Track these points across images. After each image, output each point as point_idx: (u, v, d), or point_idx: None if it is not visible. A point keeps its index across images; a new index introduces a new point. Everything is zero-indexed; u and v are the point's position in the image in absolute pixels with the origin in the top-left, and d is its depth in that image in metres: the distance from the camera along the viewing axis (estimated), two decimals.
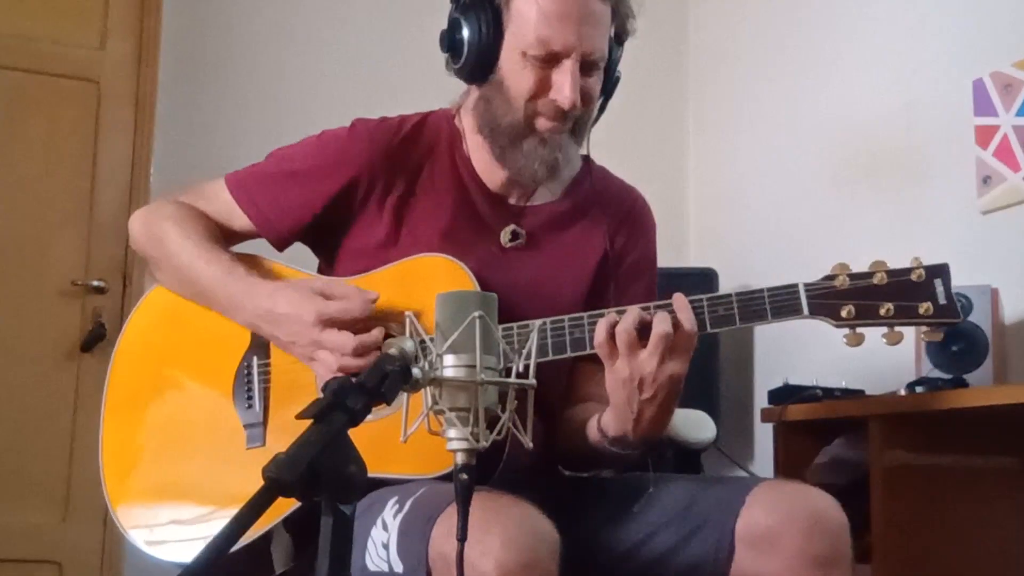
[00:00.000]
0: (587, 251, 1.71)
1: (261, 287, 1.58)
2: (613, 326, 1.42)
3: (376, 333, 1.52)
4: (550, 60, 1.57)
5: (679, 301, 1.45)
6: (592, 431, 1.53)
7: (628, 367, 1.41)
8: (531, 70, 1.58)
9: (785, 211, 3.26)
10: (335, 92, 3.18)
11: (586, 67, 1.59)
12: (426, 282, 1.56)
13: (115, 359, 1.71)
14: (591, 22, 1.58)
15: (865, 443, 2.29)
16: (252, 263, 1.67)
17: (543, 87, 1.58)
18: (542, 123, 1.60)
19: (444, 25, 1.66)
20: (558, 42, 1.56)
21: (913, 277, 1.44)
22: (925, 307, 1.43)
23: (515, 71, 1.59)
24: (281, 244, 1.70)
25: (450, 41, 1.63)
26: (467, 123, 1.69)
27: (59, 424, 2.84)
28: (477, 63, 1.60)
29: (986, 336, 2.30)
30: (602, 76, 1.64)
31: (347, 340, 1.51)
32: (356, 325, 1.53)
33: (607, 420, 1.49)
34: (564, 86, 1.56)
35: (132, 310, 1.75)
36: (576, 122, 1.62)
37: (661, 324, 1.41)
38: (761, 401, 2.73)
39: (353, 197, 1.64)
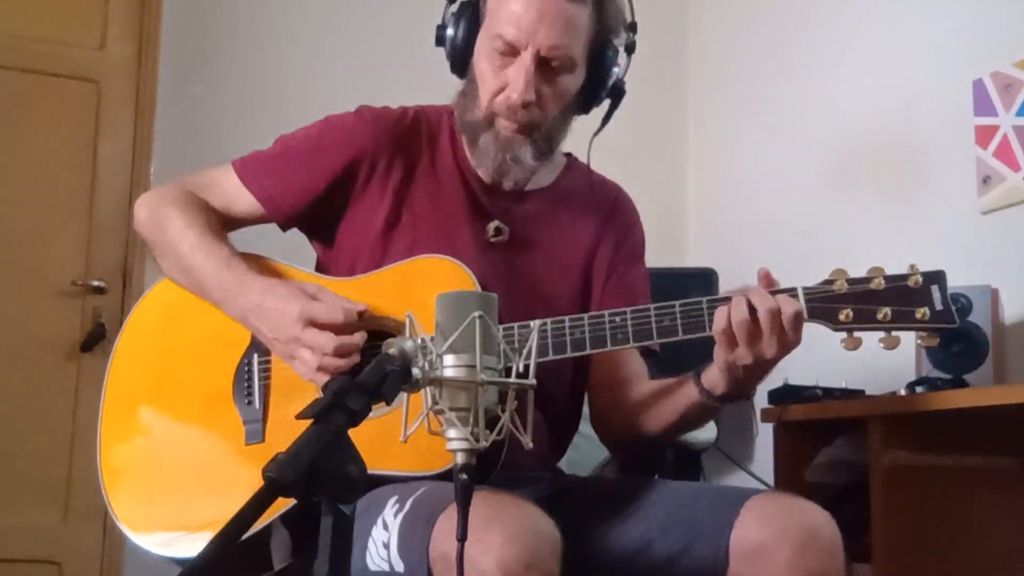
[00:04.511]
0: (575, 245, 1.73)
1: (253, 282, 1.60)
2: (730, 316, 1.44)
3: (358, 336, 1.54)
4: (508, 54, 1.60)
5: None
6: (689, 395, 1.58)
7: (751, 355, 1.45)
8: (492, 66, 1.62)
9: (785, 211, 3.26)
10: (334, 92, 3.15)
11: (547, 68, 1.60)
12: (427, 283, 1.57)
13: (114, 357, 1.71)
14: (555, 21, 1.59)
15: (865, 443, 2.29)
16: (252, 260, 1.68)
17: (502, 85, 1.61)
18: (500, 123, 1.63)
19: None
20: (511, 34, 1.59)
21: (910, 283, 1.46)
22: (922, 312, 1.45)
23: (482, 68, 1.63)
24: (286, 224, 1.72)
25: (438, 37, 1.69)
26: None
27: (59, 424, 2.84)
28: (455, 58, 1.67)
29: (986, 336, 2.29)
30: (575, 82, 1.65)
31: (328, 340, 1.53)
32: (339, 329, 1.54)
33: (714, 381, 1.54)
34: (518, 80, 1.59)
35: (131, 310, 1.75)
36: (533, 126, 1.63)
37: (789, 305, 1.44)
38: (761, 401, 2.72)
39: (355, 177, 1.67)
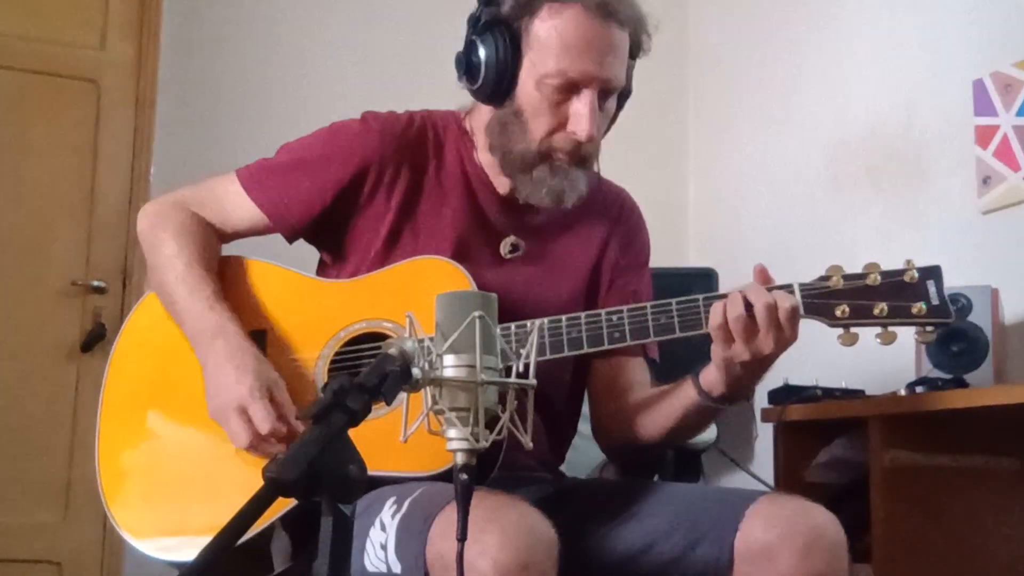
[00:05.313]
0: (584, 253, 1.72)
1: (231, 336, 1.57)
2: (726, 311, 1.43)
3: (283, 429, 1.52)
4: (568, 89, 1.56)
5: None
6: (688, 397, 1.56)
7: (748, 351, 1.44)
8: (548, 101, 1.57)
9: (785, 211, 3.26)
10: (335, 92, 3.17)
11: (602, 95, 1.58)
12: (424, 284, 1.57)
13: (112, 360, 1.71)
14: (612, 51, 1.58)
15: (865, 443, 2.29)
16: (250, 268, 1.68)
17: (561, 121, 1.58)
18: (557, 156, 1.59)
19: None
20: (577, 71, 1.55)
21: (906, 278, 1.46)
22: (918, 307, 1.44)
23: (533, 101, 1.58)
24: (292, 235, 1.70)
25: (467, 63, 1.61)
26: (478, 131, 1.68)
27: (59, 424, 2.84)
28: (495, 87, 1.59)
29: (986, 336, 2.30)
30: (615, 102, 1.64)
31: (269, 417, 1.50)
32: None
33: (712, 381, 1.52)
34: (582, 118, 1.56)
35: (131, 310, 1.75)
36: (589, 156, 1.61)
37: (786, 301, 1.43)
38: (761, 401, 2.72)
39: (362, 187, 1.64)
